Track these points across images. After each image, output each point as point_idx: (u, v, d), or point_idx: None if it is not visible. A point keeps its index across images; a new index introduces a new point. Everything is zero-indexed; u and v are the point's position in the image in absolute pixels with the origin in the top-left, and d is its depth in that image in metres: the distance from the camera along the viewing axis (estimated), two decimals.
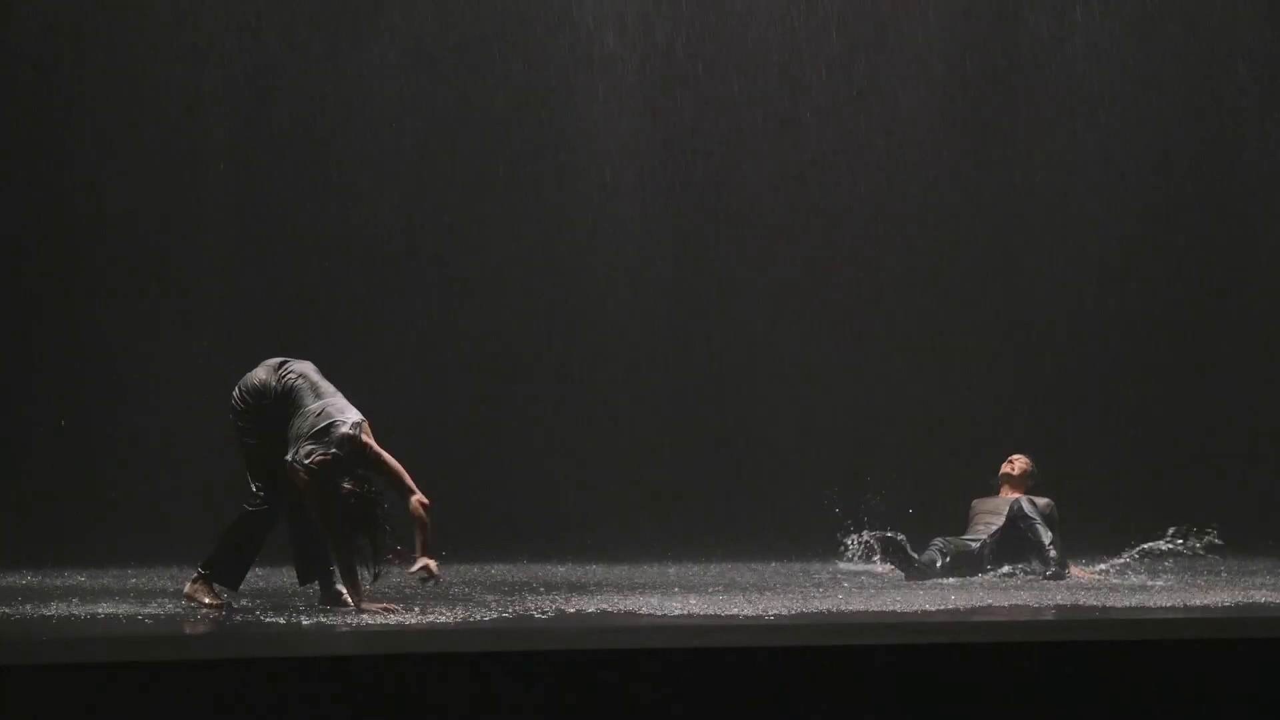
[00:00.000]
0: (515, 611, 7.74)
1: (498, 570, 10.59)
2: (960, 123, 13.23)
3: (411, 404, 12.01)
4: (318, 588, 8.02)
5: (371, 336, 12.15)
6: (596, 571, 10.57)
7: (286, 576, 8.80)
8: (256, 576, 8.98)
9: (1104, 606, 8.21)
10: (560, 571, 10.59)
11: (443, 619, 7.39)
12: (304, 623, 7.27)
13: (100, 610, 7.76)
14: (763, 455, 12.79)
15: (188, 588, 7.90)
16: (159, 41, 12.07)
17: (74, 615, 7.58)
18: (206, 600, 7.81)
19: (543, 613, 7.71)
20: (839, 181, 13.13)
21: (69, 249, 11.85)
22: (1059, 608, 8.22)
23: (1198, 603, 8.37)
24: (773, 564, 11.11)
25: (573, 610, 7.84)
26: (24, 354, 11.75)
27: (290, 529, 7.99)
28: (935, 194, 13.21)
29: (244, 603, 8.06)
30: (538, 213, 12.76)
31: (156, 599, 8.34)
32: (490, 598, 8.48)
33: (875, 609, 8.07)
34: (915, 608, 8.03)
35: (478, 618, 7.47)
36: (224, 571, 7.92)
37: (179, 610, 7.81)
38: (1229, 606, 8.23)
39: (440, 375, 12.47)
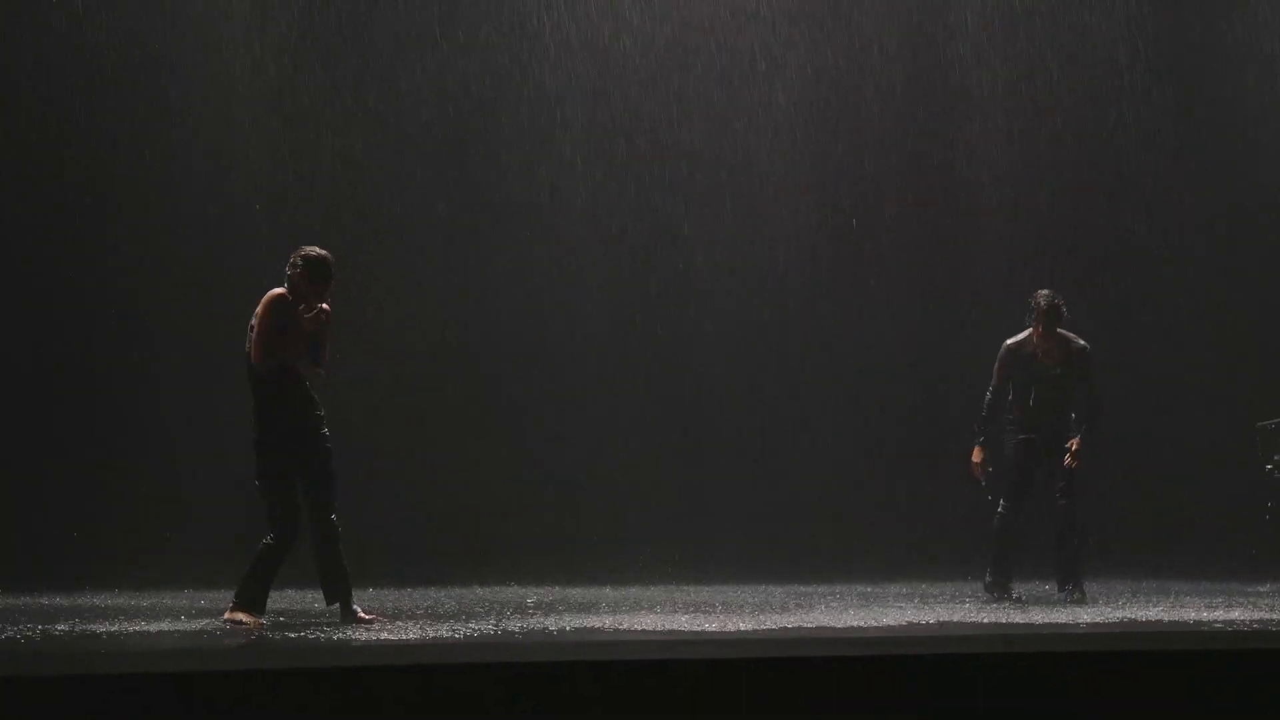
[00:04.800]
0: (516, 628, 8.57)
1: (504, 592, 11.41)
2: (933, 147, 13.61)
3: (403, 429, 12.46)
4: (339, 608, 8.87)
5: (365, 359, 12.12)
6: (585, 593, 11.25)
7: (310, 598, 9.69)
8: (287, 598, 9.87)
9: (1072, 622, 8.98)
10: (549, 592, 11.33)
11: (442, 635, 8.21)
12: (330, 637, 8.11)
13: (145, 628, 8.61)
14: (746, 480, 13.05)
15: (228, 614, 8.70)
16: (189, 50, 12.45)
17: (120, 632, 8.42)
18: (243, 620, 8.62)
19: (536, 629, 8.51)
20: (825, 196, 13.45)
21: (99, 263, 12.19)
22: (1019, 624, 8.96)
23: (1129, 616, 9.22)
24: (765, 586, 11.73)
25: (564, 626, 8.62)
26: (58, 378, 12.11)
27: (317, 558, 8.80)
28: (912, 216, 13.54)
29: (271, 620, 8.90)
30: (528, 240, 13.01)
31: (189, 618, 9.17)
32: (489, 615, 9.34)
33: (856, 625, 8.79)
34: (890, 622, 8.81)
35: (477, 632, 8.29)
36: (252, 599, 8.71)
37: (213, 628, 8.63)
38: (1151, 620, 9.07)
39: (431, 401, 12.72)
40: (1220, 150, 13.63)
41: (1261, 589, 11.40)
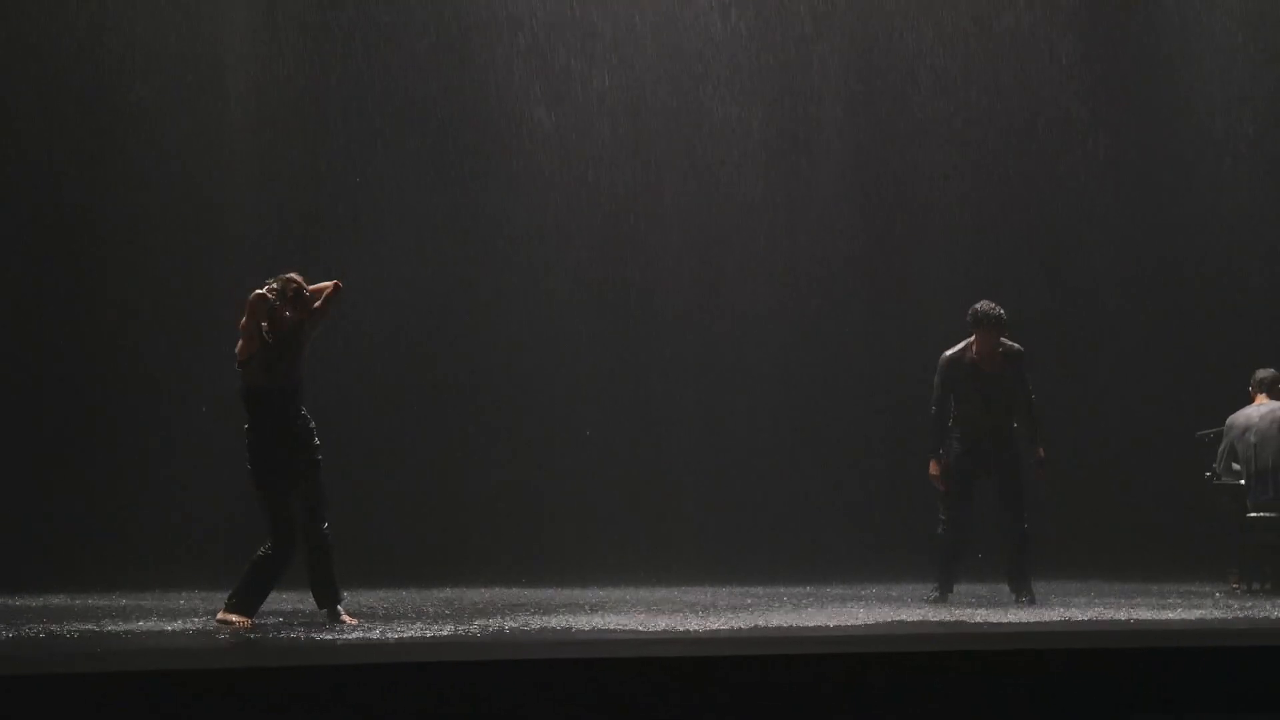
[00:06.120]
0: (486, 628, 8.84)
1: (469, 593, 11.65)
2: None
3: (381, 434, 12.72)
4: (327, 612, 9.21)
5: (344, 367, 12.24)
6: (562, 594, 11.48)
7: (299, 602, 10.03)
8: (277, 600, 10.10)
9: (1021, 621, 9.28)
10: (529, 593, 11.59)
11: (426, 635, 8.52)
12: (315, 637, 8.41)
13: (143, 628, 8.88)
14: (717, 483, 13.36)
15: (220, 615, 8.99)
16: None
17: (118, 632, 8.68)
18: (234, 620, 8.90)
19: (519, 629, 8.80)
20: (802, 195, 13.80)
21: (100, 265, 12.46)
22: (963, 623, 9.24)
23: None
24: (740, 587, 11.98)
25: (544, 626, 8.92)
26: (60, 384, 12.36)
27: (309, 566, 9.12)
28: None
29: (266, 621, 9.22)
30: (511, 252, 13.27)
31: (187, 617, 9.46)
32: (460, 616, 9.66)
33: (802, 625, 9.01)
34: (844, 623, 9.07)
35: (450, 632, 8.61)
36: (245, 603, 9.01)
37: (204, 627, 8.92)
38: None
39: (410, 406, 12.98)
40: (1166, 165, 13.91)
41: (1206, 589, 11.69)
